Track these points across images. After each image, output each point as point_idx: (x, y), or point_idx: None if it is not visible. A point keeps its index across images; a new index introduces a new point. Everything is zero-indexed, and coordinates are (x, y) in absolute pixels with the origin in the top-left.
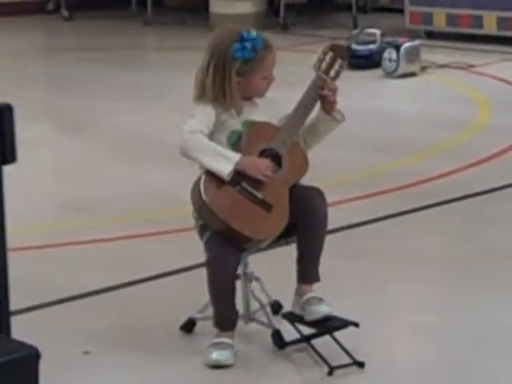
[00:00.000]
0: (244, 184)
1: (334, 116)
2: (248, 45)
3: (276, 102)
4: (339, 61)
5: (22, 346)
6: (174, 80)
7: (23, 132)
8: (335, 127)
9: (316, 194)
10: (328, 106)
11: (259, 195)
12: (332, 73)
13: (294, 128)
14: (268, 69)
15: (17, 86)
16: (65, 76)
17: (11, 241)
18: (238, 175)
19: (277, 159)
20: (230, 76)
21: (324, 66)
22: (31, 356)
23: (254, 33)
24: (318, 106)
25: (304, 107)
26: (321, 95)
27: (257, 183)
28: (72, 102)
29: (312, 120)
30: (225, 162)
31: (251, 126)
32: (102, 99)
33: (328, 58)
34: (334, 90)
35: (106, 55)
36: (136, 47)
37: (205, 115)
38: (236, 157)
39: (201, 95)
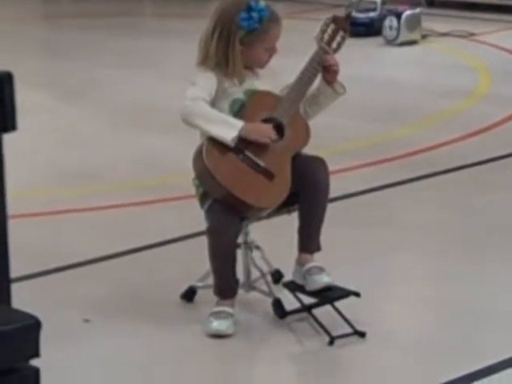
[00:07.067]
0: (247, 152)
1: (335, 88)
2: (255, 15)
3: (277, 72)
4: (341, 32)
5: (23, 315)
6: (173, 47)
7: (23, 99)
8: (335, 99)
9: (318, 163)
10: (330, 76)
11: (262, 164)
12: (334, 44)
13: (296, 98)
14: (271, 41)
15: (15, 52)
16: (63, 43)
17: (11, 208)
18: (241, 143)
19: (279, 129)
20: (233, 44)
21: (326, 37)
22: (32, 325)
23: (262, 3)
24: (319, 76)
25: (306, 78)
26: (323, 66)
27: (260, 152)
28: (71, 68)
29: (313, 91)
30: (229, 128)
31: (253, 94)
32: (101, 66)
33: (330, 29)
34: (336, 64)
35: (104, 22)
36: (135, 14)
37: (207, 82)
38: (240, 123)
39: (204, 60)
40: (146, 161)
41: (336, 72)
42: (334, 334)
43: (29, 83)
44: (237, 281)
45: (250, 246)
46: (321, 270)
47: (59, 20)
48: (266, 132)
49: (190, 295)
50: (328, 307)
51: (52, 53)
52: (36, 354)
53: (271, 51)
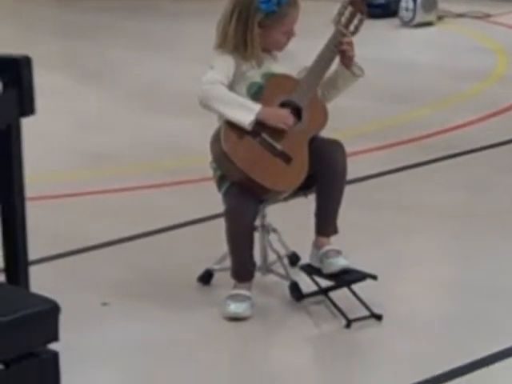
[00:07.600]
0: (264, 135)
1: (353, 71)
2: None
3: (295, 55)
4: (358, 15)
5: (42, 299)
6: (187, 29)
7: (38, 81)
8: (354, 82)
9: (336, 146)
10: (346, 60)
11: (279, 147)
12: (351, 27)
13: (314, 81)
14: (290, 24)
15: (30, 34)
16: (78, 24)
17: (29, 190)
18: (259, 126)
19: (297, 112)
20: (252, 27)
21: (344, 20)
22: (51, 310)
23: None
24: (337, 59)
25: (324, 61)
26: (340, 49)
27: (277, 135)
28: (86, 50)
29: (331, 74)
30: (246, 112)
31: (271, 77)
32: (116, 48)
33: (347, 12)
34: (350, 44)
35: (120, 3)
36: None
37: (225, 66)
38: (257, 107)
39: (222, 43)
40: (162, 143)
41: (350, 57)
42: (351, 316)
43: (44, 65)
44: (254, 264)
45: (267, 229)
46: (338, 252)
47: (74, 1)
48: (283, 117)
49: (206, 278)
50: (345, 290)
51: (67, 34)
52: (55, 338)
53: (289, 34)
